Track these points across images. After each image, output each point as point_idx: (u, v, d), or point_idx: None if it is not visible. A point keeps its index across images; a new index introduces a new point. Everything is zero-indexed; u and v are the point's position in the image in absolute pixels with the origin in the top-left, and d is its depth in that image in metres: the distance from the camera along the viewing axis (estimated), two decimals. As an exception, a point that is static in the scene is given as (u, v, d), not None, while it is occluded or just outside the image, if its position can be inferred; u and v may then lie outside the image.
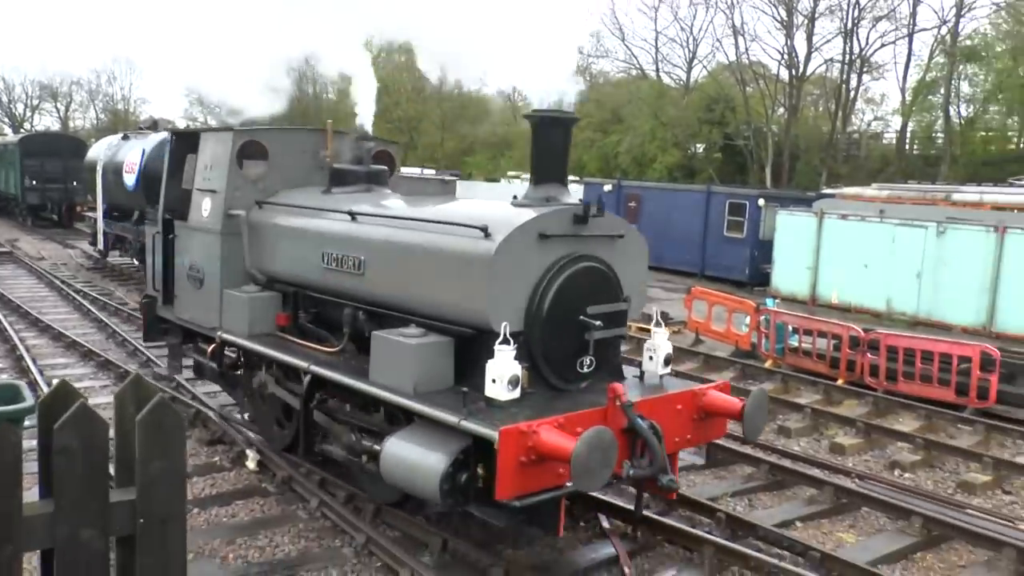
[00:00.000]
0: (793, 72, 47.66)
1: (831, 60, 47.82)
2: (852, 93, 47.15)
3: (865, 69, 47.18)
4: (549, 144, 6.48)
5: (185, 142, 9.52)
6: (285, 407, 7.85)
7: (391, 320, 6.88)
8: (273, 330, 8.05)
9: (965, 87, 45.17)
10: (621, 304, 6.64)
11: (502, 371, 5.79)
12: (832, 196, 25.40)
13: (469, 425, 5.50)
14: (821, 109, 51.58)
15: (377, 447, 6.38)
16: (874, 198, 23.21)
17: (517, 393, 5.84)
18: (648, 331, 7.58)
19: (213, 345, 8.59)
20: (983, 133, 43.82)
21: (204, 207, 8.55)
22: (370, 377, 6.47)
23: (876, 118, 50.27)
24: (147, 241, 9.88)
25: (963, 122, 43.95)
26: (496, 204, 6.79)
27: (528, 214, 6.20)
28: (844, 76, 46.70)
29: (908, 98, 45.69)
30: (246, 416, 8.67)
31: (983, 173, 34.14)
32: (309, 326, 7.90)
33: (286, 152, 8.61)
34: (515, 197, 6.67)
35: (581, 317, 6.26)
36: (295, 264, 7.78)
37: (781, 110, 48.84)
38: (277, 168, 8.54)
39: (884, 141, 49.10)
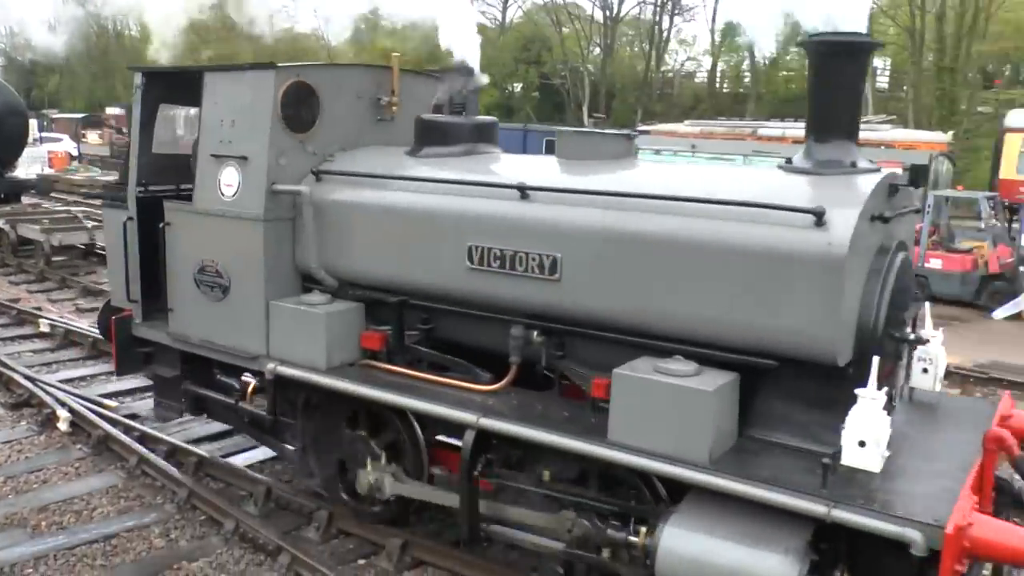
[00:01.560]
0: (607, 13, 48.62)
1: (644, 2, 48.91)
2: (665, 34, 48.62)
3: (676, 11, 48.73)
4: (839, 82, 4.49)
5: (163, 86, 6.62)
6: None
7: (599, 344, 4.75)
8: (358, 357, 5.63)
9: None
10: (920, 304, 4.89)
11: (874, 429, 3.88)
12: (647, 132, 25.08)
13: (887, 526, 3.58)
14: (636, 49, 52.76)
15: (633, 538, 4.34)
16: (687, 134, 23.72)
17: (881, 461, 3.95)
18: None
19: (252, 384, 6.01)
20: (785, 73, 46.07)
21: (226, 181, 5.84)
22: (612, 435, 4.35)
23: (689, 58, 52.27)
24: (107, 231, 6.91)
25: (767, 63, 46.08)
26: (760, 172, 4.77)
27: (855, 187, 4.23)
28: (657, 17, 47.89)
29: (717, 39, 47.27)
30: (311, 481, 6.17)
31: (785, 110, 35.51)
32: (424, 350, 5.56)
33: (340, 98, 6.04)
34: (788, 160, 4.66)
35: (897, 333, 4.44)
36: (407, 262, 5.39)
37: (597, 50, 49.65)
38: (331, 122, 5.97)
39: (696, 80, 50.95)
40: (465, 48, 5.94)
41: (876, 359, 3.96)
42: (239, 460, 7.22)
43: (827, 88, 4.54)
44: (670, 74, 50.78)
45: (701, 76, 50.50)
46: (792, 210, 4.11)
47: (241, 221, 5.77)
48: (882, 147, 19.63)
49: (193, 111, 6.63)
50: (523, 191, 4.91)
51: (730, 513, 4.11)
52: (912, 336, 4.50)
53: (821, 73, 4.55)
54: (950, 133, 26.15)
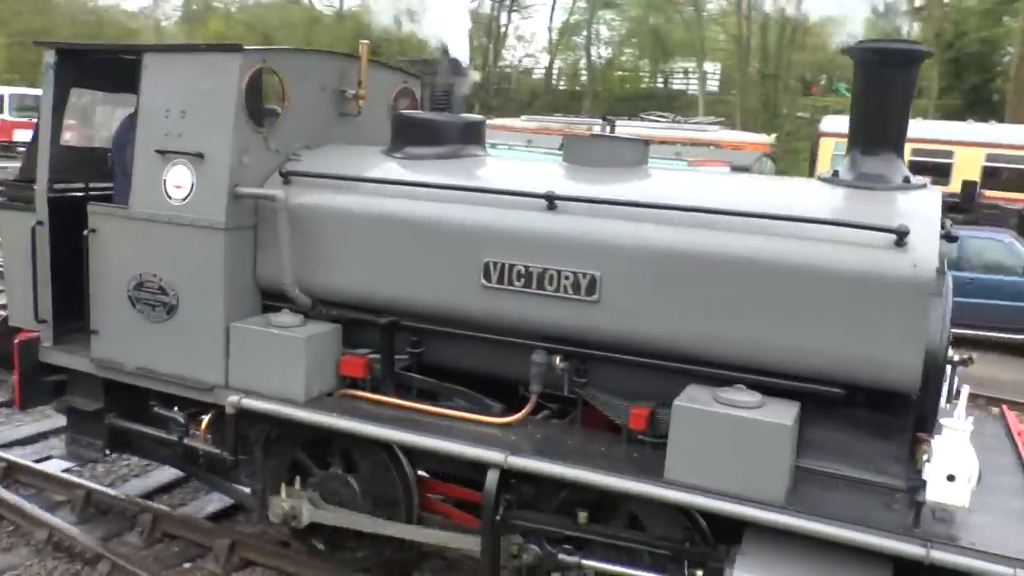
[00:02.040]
0: (446, 6, 48.72)
1: (483, -3, 49.31)
2: (503, 30, 48.98)
3: (515, 8, 49.18)
4: (891, 92, 4.29)
5: (80, 67, 5.61)
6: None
7: (628, 370, 4.34)
8: (335, 385, 4.96)
9: (604, 30, 49.01)
10: None
11: (963, 462, 3.67)
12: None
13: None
14: (476, 44, 53.44)
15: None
16: (523, 129, 22.71)
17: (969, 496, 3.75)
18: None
19: (207, 418, 5.17)
20: (619, 73, 47.92)
21: (175, 182, 4.97)
22: (671, 473, 3.94)
23: (527, 55, 52.83)
24: (6, 238, 5.78)
25: (603, 62, 47.53)
26: (805, 184, 4.49)
27: (924, 204, 4.03)
28: (495, 13, 48.11)
29: (555, 38, 48.25)
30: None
31: (619, 108, 36.91)
32: (417, 377, 4.95)
33: (305, 89, 5.31)
34: (835, 173, 4.41)
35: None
36: (403, 278, 4.75)
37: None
38: (296, 116, 5.23)
39: (534, 77, 51.62)
40: (451, 38, 5.34)
41: (967, 388, 3.76)
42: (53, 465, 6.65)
43: (879, 98, 4.31)
44: (508, 70, 51.12)
45: (539, 73, 51.22)
46: (872, 229, 3.84)
47: (195, 229, 4.92)
48: (711, 147, 20.30)
49: (115, 97, 5.68)
50: (551, 201, 4.40)
51: (798, 552, 3.81)
52: (957, 358, 4.36)
53: (871, 82, 4.31)
54: (773, 136, 27.72)
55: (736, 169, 4.36)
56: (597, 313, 4.30)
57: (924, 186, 4.32)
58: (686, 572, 4.13)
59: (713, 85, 46.28)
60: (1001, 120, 24.00)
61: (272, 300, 5.16)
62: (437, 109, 5.35)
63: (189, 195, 4.94)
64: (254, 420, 4.99)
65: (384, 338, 4.88)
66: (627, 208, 4.27)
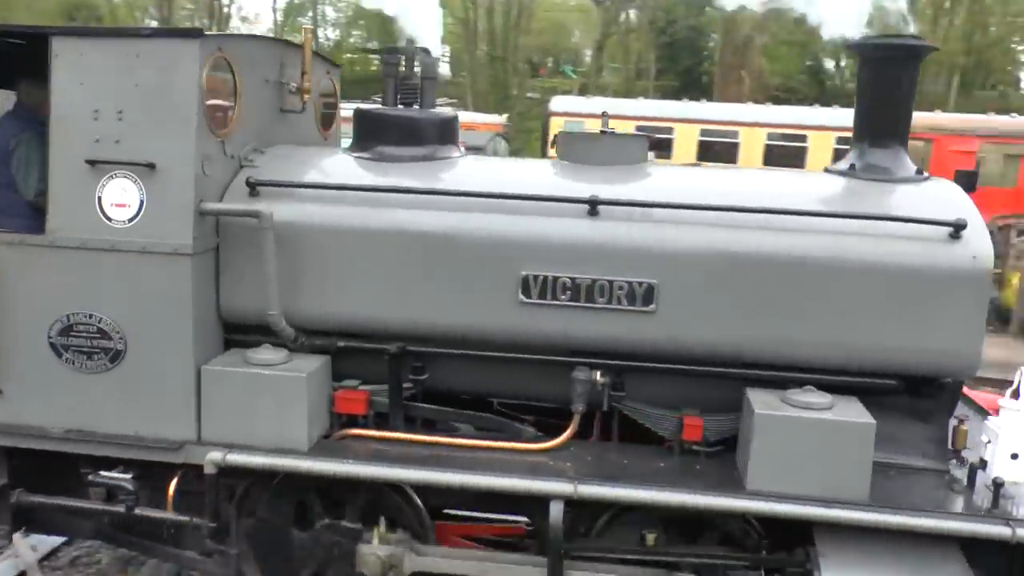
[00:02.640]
0: (163, -18, 45.63)
1: (203, -26, 46.63)
2: (226, 10, 46.60)
3: None
4: (898, 86, 4.43)
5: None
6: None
7: (666, 380, 4.18)
8: (328, 426, 4.34)
9: (331, 11, 48.93)
10: None
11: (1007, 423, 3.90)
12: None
13: None
14: (196, 22, 50.95)
15: None
16: None
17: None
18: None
19: (172, 483, 4.29)
20: (348, 55, 48.10)
21: (114, 200, 4.03)
22: (753, 484, 3.84)
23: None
24: None
25: (331, 44, 47.31)
26: (827, 178, 4.51)
27: (958, 196, 4.20)
28: None
29: (280, 18, 47.24)
30: None
31: (351, 91, 37.45)
32: (430, 408, 4.45)
33: (253, 82, 4.53)
34: (853, 166, 4.49)
35: None
36: (417, 299, 4.19)
37: (154, 23, 46.57)
38: (247, 114, 4.46)
39: None
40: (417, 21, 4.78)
41: (1022, 369, 3.98)
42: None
43: (888, 93, 4.42)
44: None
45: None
46: (930, 223, 3.92)
47: (149, 256, 4.03)
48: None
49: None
50: (592, 206, 4.07)
51: (872, 545, 3.87)
52: None
53: (880, 77, 4.41)
54: (504, 116, 28.80)
55: (471, 150, 4.44)
56: (654, 323, 4.06)
57: (929, 177, 4.51)
58: (764, 581, 4.05)
59: (444, 68, 47.05)
60: (711, 99, 26.47)
61: (234, 333, 4.38)
62: (405, 104, 4.79)
63: (138, 215, 4.02)
64: (229, 477, 4.21)
65: (392, 367, 4.29)
66: (678, 211, 4.05)
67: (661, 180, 4.40)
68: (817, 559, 3.85)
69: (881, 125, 4.47)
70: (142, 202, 4.02)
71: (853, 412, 3.87)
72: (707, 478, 3.98)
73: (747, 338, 4.04)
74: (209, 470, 4.08)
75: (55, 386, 4.19)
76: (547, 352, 4.20)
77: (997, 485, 3.81)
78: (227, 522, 4.29)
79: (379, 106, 4.79)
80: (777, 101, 26.30)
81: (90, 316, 4.10)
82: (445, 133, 4.73)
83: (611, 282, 4.03)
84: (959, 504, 3.85)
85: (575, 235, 4.07)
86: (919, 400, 4.20)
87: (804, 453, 3.81)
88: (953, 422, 4.16)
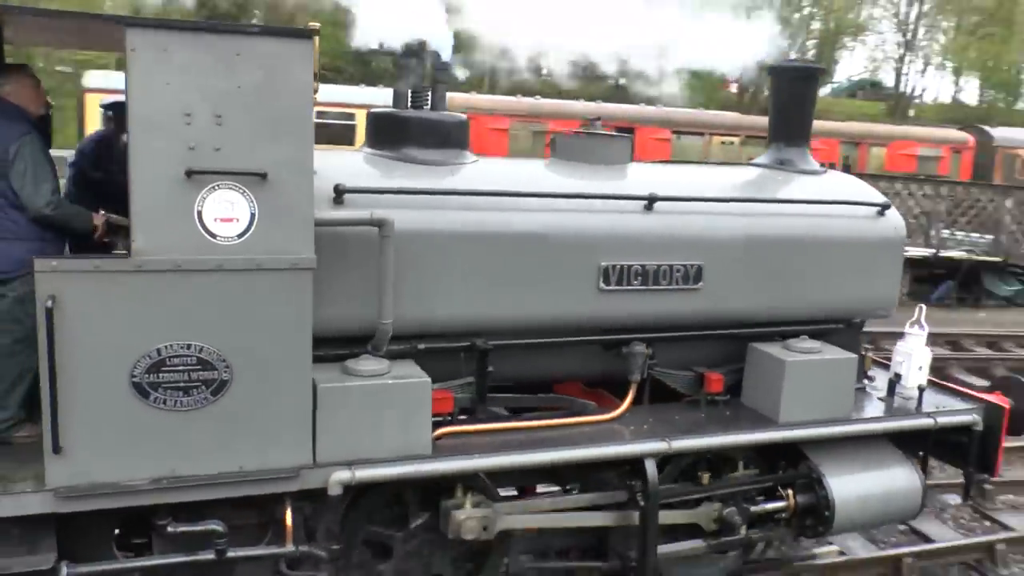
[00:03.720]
0: None
1: None
2: None
3: None
4: (799, 99, 5.73)
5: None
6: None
7: (682, 345, 5.03)
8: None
9: None
10: None
11: (925, 355, 5.47)
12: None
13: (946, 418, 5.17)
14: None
15: (780, 503, 5.02)
16: None
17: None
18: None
19: (288, 514, 3.97)
20: None
21: (218, 215, 3.59)
22: (784, 417, 4.87)
23: None
24: None
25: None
26: (750, 169, 5.64)
27: (860, 183, 5.62)
28: None
29: None
30: None
31: None
32: (508, 396, 4.72)
33: None
34: (781, 160, 5.68)
35: None
36: (512, 296, 4.42)
37: None
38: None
39: None
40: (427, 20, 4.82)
41: (923, 306, 5.47)
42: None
43: (797, 104, 5.66)
44: None
45: None
46: (869, 205, 5.23)
47: (263, 274, 3.69)
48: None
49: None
50: (649, 202, 4.66)
51: (852, 452, 5.14)
52: None
53: (790, 93, 5.63)
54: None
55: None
56: (700, 298, 4.80)
57: (829, 170, 5.85)
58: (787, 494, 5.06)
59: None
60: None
61: (328, 348, 4.15)
62: (415, 107, 4.83)
63: (249, 229, 3.65)
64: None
65: (480, 363, 4.45)
66: (720, 203, 4.84)
67: (667, 176, 5.12)
68: (818, 468, 4.99)
69: (797, 129, 5.69)
70: (253, 215, 3.64)
71: (838, 351, 5.05)
72: (743, 420, 4.87)
73: (762, 303, 4.99)
74: (335, 491, 3.89)
75: (138, 432, 3.60)
76: (618, 332, 4.72)
77: (920, 390, 5.29)
78: (344, 543, 4.11)
79: (398, 110, 4.76)
80: (324, 80, 26.99)
81: (188, 347, 3.61)
82: (461, 135, 4.88)
83: (671, 266, 4.69)
84: (892, 408, 5.26)
85: (640, 227, 4.63)
86: (848, 338, 5.53)
87: (815, 387, 4.89)
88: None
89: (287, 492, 3.90)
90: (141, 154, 3.48)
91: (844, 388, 4.98)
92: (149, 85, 3.46)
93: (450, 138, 4.73)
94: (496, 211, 4.37)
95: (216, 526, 3.85)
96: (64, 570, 3.62)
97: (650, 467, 4.48)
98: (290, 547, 3.93)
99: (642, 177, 5.02)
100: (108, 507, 3.64)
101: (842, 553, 6.30)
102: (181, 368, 3.62)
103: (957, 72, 41.09)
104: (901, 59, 40.21)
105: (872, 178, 12.41)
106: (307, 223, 3.73)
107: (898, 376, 5.42)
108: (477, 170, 4.69)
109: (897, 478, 5.10)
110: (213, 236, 3.60)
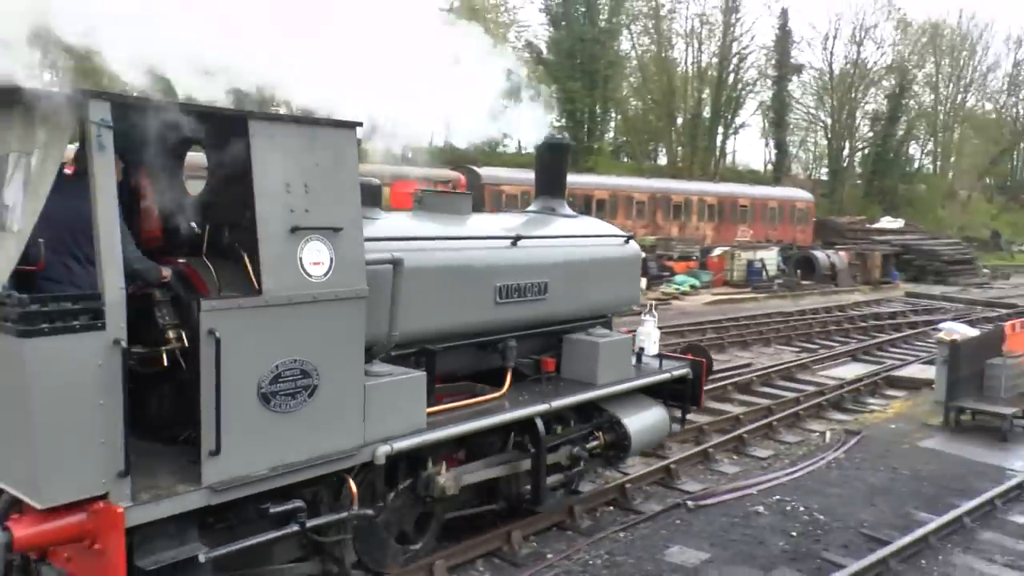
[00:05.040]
0: None
1: None
2: None
3: None
4: (559, 165, 8.29)
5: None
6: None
7: (525, 340, 7.21)
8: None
9: None
10: None
11: (654, 332, 8.33)
12: None
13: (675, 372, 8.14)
14: None
15: (598, 440, 7.45)
16: None
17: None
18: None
19: (352, 484, 5.22)
20: None
21: (312, 259, 4.82)
22: (600, 381, 7.27)
23: None
24: (35, 374, 3.63)
25: None
26: (533, 216, 7.91)
27: (603, 223, 8.32)
28: None
29: None
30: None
31: None
32: (444, 385, 6.39)
33: None
34: (551, 208, 8.13)
35: None
36: (456, 311, 6.16)
37: None
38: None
39: None
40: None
41: (653, 301, 8.24)
42: None
43: (556, 168, 8.14)
44: None
45: None
46: (620, 236, 7.87)
47: (338, 303, 4.98)
48: None
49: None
50: (514, 241, 6.68)
51: (629, 401, 7.70)
52: None
53: (551, 161, 8.11)
54: None
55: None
56: (546, 306, 6.93)
57: (578, 214, 8.37)
58: (599, 435, 7.38)
59: None
60: None
61: None
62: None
63: (330, 270, 4.92)
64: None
65: (429, 363, 6.03)
66: (546, 239, 7.04)
67: (503, 221, 7.20)
68: (615, 414, 7.45)
69: (554, 187, 8.16)
70: (332, 259, 4.92)
71: (620, 334, 7.58)
72: (575, 386, 7.10)
73: (576, 306, 7.31)
74: (380, 462, 5.26)
75: (261, 432, 4.64)
76: (504, 333, 6.65)
77: (662, 357, 8.07)
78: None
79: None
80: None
81: (293, 361, 4.75)
82: (379, 196, 6.39)
83: (531, 283, 6.77)
84: (646, 371, 7.95)
85: (514, 257, 6.64)
86: (606, 324, 8.10)
87: (613, 359, 7.33)
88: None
89: (351, 467, 5.16)
90: (264, 217, 4.60)
91: (627, 358, 7.52)
92: (265, 163, 4.61)
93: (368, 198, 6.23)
94: (442, 251, 6.08)
95: (299, 503, 4.98)
96: (203, 555, 4.50)
97: (539, 423, 6.51)
98: (355, 509, 5.19)
99: (492, 222, 7.03)
100: (242, 496, 4.60)
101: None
102: (290, 379, 4.75)
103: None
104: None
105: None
106: (362, 263, 5.10)
107: (642, 350, 8.16)
108: (393, 221, 6.28)
109: (657, 415, 7.75)
110: (309, 276, 4.82)
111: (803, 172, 58.83)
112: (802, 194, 40.07)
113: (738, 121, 55.68)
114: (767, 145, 55.52)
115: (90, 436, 3.98)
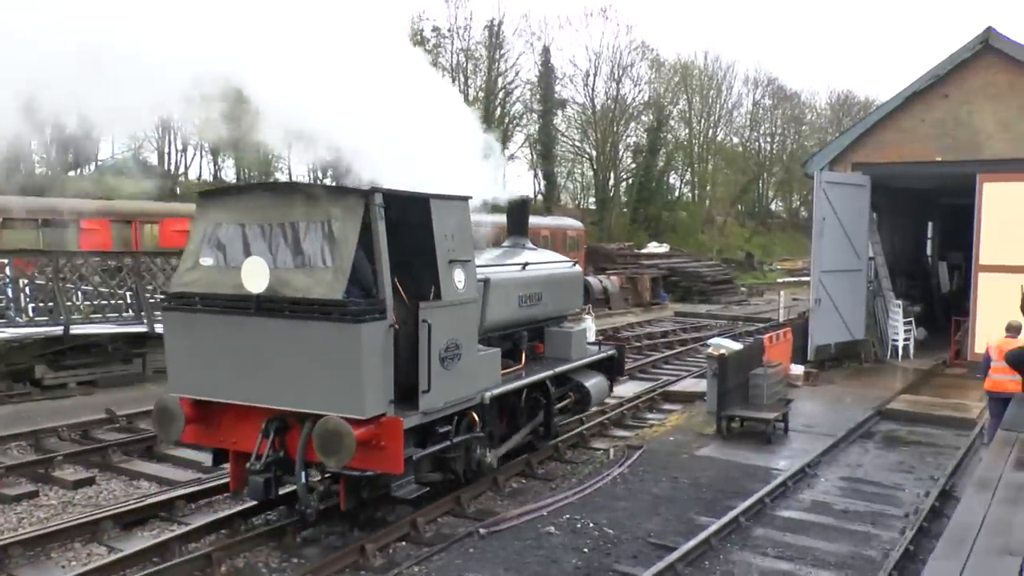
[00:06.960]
0: None
1: None
2: None
3: None
4: (522, 215, 11.91)
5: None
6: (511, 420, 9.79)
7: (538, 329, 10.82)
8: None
9: None
10: None
11: (592, 326, 12.14)
12: None
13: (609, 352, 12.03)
14: None
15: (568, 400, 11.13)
16: None
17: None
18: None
19: (475, 415, 8.58)
20: None
21: (457, 280, 8.15)
22: (574, 356, 10.95)
23: None
24: (347, 346, 6.82)
25: None
26: (508, 249, 11.46)
27: (557, 254, 12.07)
28: None
29: None
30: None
31: None
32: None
33: None
34: (520, 243, 11.78)
35: None
36: (508, 311, 9.64)
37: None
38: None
39: None
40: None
41: (590, 304, 11.97)
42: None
43: (520, 215, 11.73)
44: None
45: None
46: (569, 261, 11.60)
47: (470, 305, 8.33)
48: None
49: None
50: (524, 266, 10.21)
51: (585, 372, 11.38)
52: None
53: (515, 212, 11.70)
54: None
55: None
56: (540, 308, 10.47)
57: (537, 248, 11.97)
58: (570, 395, 10.98)
59: None
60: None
61: None
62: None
63: (464, 285, 8.25)
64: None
65: (498, 344, 9.42)
66: (538, 264, 10.64)
67: (507, 256, 10.75)
68: (580, 380, 11.12)
69: (520, 227, 11.72)
70: (465, 279, 8.24)
71: (580, 326, 11.29)
72: (559, 362, 10.68)
73: (552, 308, 10.89)
74: (487, 402, 8.63)
75: (441, 382, 7.88)
76: (527, 326, 10.16)
77: (600, 343, 11.84)
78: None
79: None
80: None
81: (454, 339, 8.03)
82: None
83: (534, 293, 10.32)
84: (593, 351, 11.67)
85: (526, 276, 10.19)
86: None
87: (579, 343, 11.01)
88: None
89: (474, 405, 8.49)
90: (441, 255, 7.89)
91: (585, 343, 11.24)
92: (439, 224, 7.91)
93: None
94: (506, 272, 9.54)
95: (450, 427, 8.25)
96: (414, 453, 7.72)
97: (550, 384, 10.08)
98: (478, 431, 8.53)
99: (504, 255, 10.54)
100: (437, 417, 7.83)
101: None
102: (452, 350, 8.03)
103: (215, 153, 41.83)
104: (162, 138, 40.37)
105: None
106: (475, 280, 8.46)
107: (591, 340, 11.91)
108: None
109: (602, 381, 11.46)
110: (458, 288, 8.13)
111: (572, 202, 59.50)
112: (573, 223, 40.57)
113: (507, 153, 53.35)
114: (535, 176, 54.66)
115: (382, 378, 7.11)
